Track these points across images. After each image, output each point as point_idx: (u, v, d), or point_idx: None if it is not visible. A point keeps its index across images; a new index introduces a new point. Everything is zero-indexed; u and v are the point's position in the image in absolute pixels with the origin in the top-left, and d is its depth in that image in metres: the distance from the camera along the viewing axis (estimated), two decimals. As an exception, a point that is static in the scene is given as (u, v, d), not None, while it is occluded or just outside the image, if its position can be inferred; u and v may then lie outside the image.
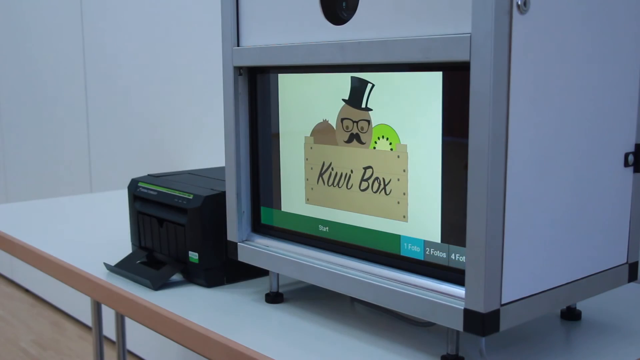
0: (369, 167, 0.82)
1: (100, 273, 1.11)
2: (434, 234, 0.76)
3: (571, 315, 0.91)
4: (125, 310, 1.02)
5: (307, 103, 0.88)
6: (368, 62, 0.78)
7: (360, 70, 0.81)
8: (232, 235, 0.97)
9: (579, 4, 0.73)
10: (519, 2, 0.66)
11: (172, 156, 2.16)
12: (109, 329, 2.56)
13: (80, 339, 2.73)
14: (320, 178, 0.88)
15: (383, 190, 0.80)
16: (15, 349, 2.64)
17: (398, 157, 0.79)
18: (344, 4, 0.83)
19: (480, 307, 0.69)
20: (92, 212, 1.58)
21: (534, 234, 0.73)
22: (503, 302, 0.70)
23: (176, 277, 1.08)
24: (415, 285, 0.77)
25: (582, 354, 0.80)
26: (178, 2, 2.04)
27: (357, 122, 0.82)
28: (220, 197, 1.02)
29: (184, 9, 2.02)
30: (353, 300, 0.97)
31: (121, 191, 1.86)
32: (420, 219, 0.77)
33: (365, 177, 0.83)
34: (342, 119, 0.84)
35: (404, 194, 0.79)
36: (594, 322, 0.89)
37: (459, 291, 0.73)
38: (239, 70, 0.94)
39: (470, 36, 0.67)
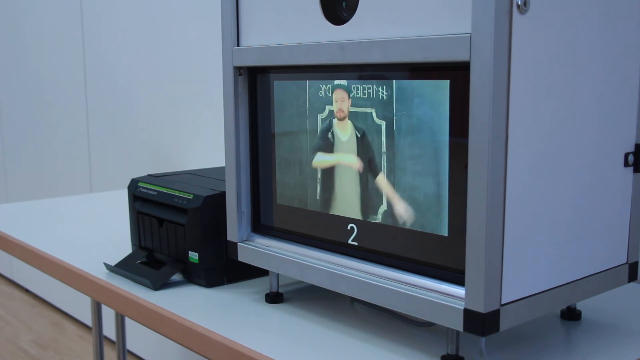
0: (369, 167, 0.82)
1: (100, 273, 1.11)
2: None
3: (571, 315, 0.91)
4: (125, 310, 1.02)
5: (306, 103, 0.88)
6: (368, 62, 0.78)
7: (360, 70, 0.81)
8: (232, 235, 0.97)
9: (579, 4, 0.73)
10: (519, 2, 0.66)
11: (172, 156, 2.16)
12: (109, 329, 2.56)
13: (80, 339, 2.73)
14: (320, 178, 0.88)
15: (383, 190, 0.80)
16: (15, 349, 2.64)
17: (398, 157, 0.79)
18: (344, 4, 0.83)
19: (480, 307, 0.69)
20: (92, 212, 1.58)
21: (534, 233, 0.73)
22: (503, 302, 0.70)
23: (176, 277, 1.08)
24: (415, 285, 0.77)
25: (582, 354, 0.80)
26: (178, 2, 2.04)
27: (357, 122, 0.82)
28: (220, 197, 1.02)
29: (184, 9, 2.02)
30: (353, 300, 0.97)
31: (121, 191, 1.86)
32: (420, 219, 0.77)
33: (365, 177, 0.83)
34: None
35: (404, 194, 0.79)
36: (594, 322, 0.89)
37: (459, 291, 0.73)
38: (239, 70, 0.94)
39: (470, 36, 0.67)
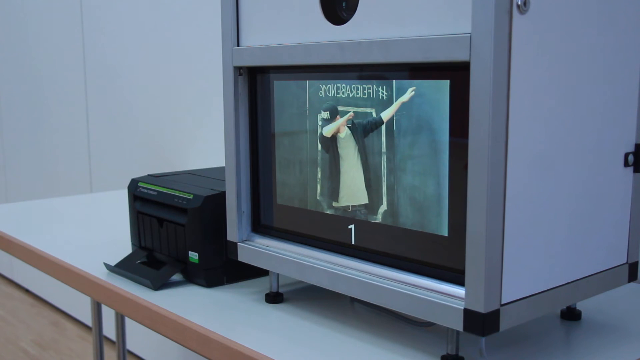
0: (369, 167, 0.82)
1: (100, 273, 1.11)
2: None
3: (571, 315, 0.91)
4: (125, 310, 1.02)
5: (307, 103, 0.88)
6: (368, 62, 0.78)
7: (360, 70, 0.81)
8: (232, 235, 0.97)
9: (579, 4, 0.73)
10: (519, 2, 0.66)
11: (172, 156, 2.16)
12: (109, 329, 2.56)
13: (80, 339, 2.73)
14: (320, 178, 0.88)
15: (383, 190, 0.80)
16: (15, 349, 2.64)
17: (398, 157, 0.79)
18: (344, 4, 0.83)
19: (480, 307, 0.69)
20: (92, 212, 1.58)
21: (534, 234, 0.73)
22: (503, 302, 0.70)
23: (176, 277, 1.08)
24: (415, 285, 0.77)
25: (582, 354, 0.80)
26: (178, 2, 2.04)
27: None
28: (220, 197, 1.02)
29: (184, 9, 2.02)
30: (353, 300, 0.97)
31: (121, 191, 1.86)
32: (420, 219, 0.77)
33: (365, 177, 0.83)
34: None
35: (404, 194, 0.79)
36: (594, 322, 0.90)
37: (459, 291, 0.73)
38: (239, 70, 0.94)
39: (470, 36, 0.67)
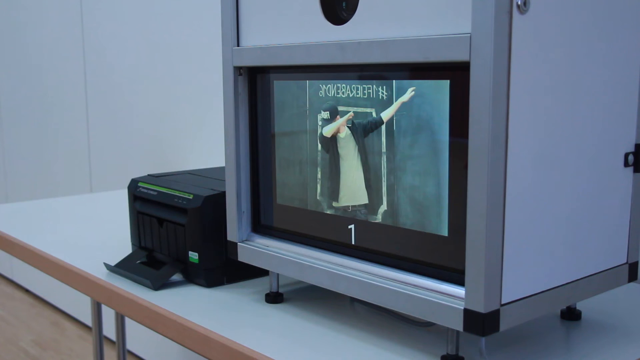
0: (369, 167, 0.82)
1: (100, 273, 1.11)
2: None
3: (571, 315, 0.91)
4: (125, 310, 1.02)
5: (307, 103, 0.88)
6: (368, 62, 0.78)
7: (360, 70, 0.81)
8: (232, 235, 0.97)
9: (579, 4, 0.73)
10: (519, 2, 0.66)
11: (172, 156, 2.16)
12: (109, 329, 2.56)
13: (80, 339, 2.73)
14: (320, 178, 0.88)
15: (383, 190, 0.80)
16: (15, 349, 2.64)
17: (398, 157, 0.79)
18: (344, 4, 0.83)
19: (480, 307, 0.69)
20: (92, 212, 1.58)
21: (534, 233, 0.73)
22: (503, 302, 0.70)
23: (176, 277, 1.08)
24: (415, 285, 0.77)
25: (582, 354, 0.80)
26: (178, 2, 2.04)
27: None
28: (220, 197, 1.02)
29: (184, 9, 2.02)
30: (353, 300, 0.97)
31: (121, 191, 1.86)
32: (420, 219, 0.77)
33: (365, 177, 0.82)
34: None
35: (404, 194, 0.79)
36: (594, 322, 0.90)
37: (459, 291, 0.73)
38: (239, 70, 0.94)
39: (470, 36, 0.67)
